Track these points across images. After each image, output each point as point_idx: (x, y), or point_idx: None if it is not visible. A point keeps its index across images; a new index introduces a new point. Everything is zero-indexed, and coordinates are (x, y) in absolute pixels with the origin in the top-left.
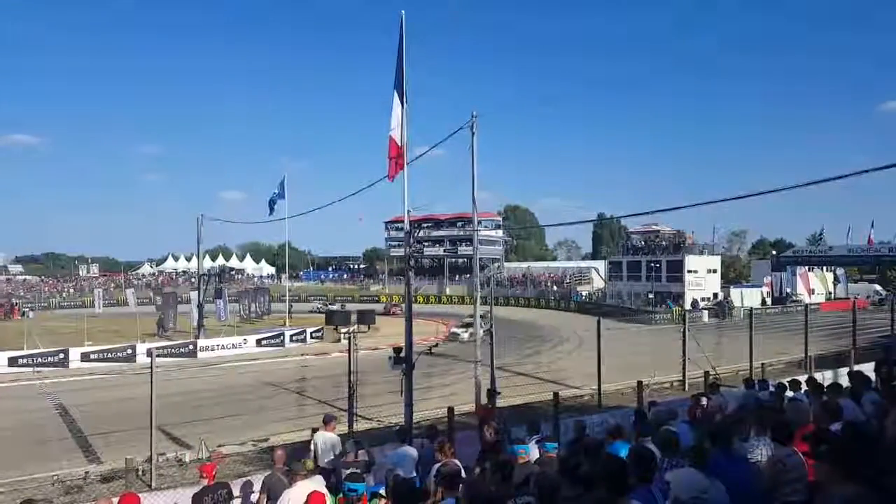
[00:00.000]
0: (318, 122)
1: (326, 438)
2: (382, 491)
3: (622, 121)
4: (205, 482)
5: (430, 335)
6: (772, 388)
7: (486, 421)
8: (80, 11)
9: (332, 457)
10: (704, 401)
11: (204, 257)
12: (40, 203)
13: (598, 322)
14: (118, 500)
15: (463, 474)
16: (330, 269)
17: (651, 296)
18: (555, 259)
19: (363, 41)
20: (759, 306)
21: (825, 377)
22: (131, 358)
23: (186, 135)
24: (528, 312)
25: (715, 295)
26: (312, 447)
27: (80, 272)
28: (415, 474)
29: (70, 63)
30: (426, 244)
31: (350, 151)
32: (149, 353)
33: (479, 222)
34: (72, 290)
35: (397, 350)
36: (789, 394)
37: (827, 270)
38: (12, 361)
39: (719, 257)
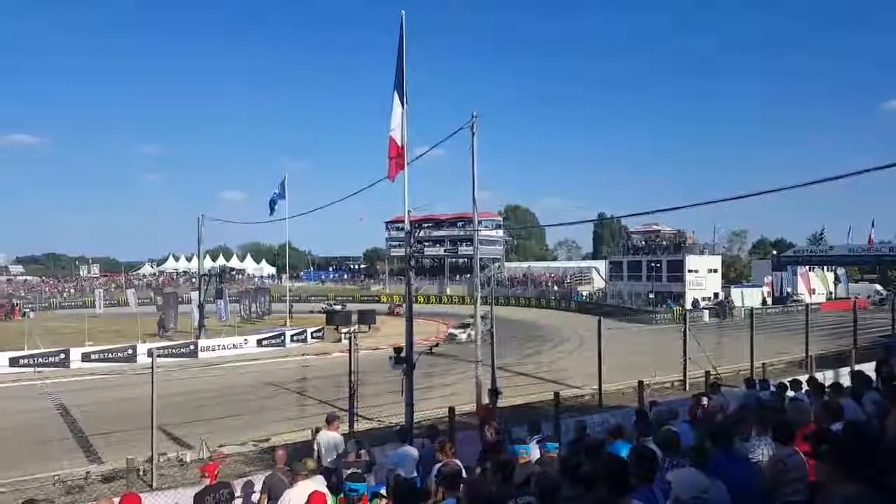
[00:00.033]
0: (319, 122)
1: (330, 438)
2: (383, 491)
3: (622, 121)
4: (207, 482)
5: (431, 335)
6: (773, 388)
7: (488, 421)
8: (80, 11)
9: (336, 456)
10: (705, 400)
11: (204, 257)
12: (41, 203)
13: (599, 322)
14: (119, 500)
15: (464, 474)
16: (330, 269)
17: (652, 296)
18: (555, 259)
19: (363, 41)
20: (760, 306)
21: (826, 377)
22: (132, 358)
23: (186, 135)
24: (528, 312)
25: (716, 295)
26: (316, 447)
27: (81, 272)
28: (416, 474)
29: (70, 63)
30: (427, 244)
31: (350, 151)
32: (150, 353)
33: (480, 222)
34: (72, 291)
35: (398, 350)
36: (790, 393)
37: (828, 270)
38: (13, 362)
39: (720, 257)
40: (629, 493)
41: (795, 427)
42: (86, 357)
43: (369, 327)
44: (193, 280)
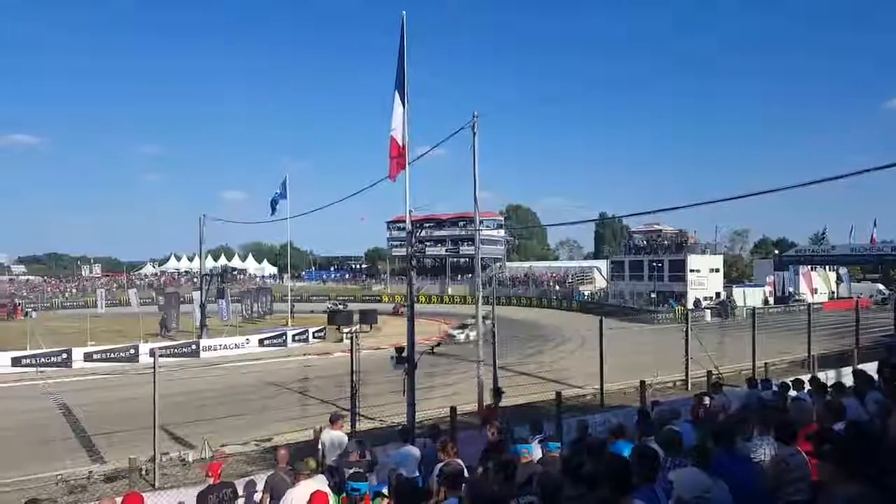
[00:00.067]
0: (319, 122)
1: (334, 437)
2: (385, 490)
3: (623, 120)
4: (210, 481)
5: (433, 335)
6: (775, 388)
7: (490, 420)
8: (80, 11)
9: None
10: (707, 400)
11: (206, 257)
12: (42, 203)
13: (601, 322)
14: (122, 499)
15: (466, 474)
16: (332, 268)
17: (653, 295)
18: (557, 259)
19: (363, 41)
20: (762, 306)
21: (828, 376)
22: (134, 358)
23: (187, 135)
24: (530, 312)
25: (717, 294)
26: (320, 446)
27: (83, 272)
28: (417, 474)
29: (70, 63)
30: (428, 244)
31: (351, 151)
32: (152, 353)
33: (481, 222)
34: (74, 291)
35: (399, 350)
36: (792, 393)
37: (830, 270)
38: (16, 361)
39: (722, 257)
40: (631, 492)
41: (798, 427)
42: (88, 357)
43: (371, 327)
44: (195, 280)
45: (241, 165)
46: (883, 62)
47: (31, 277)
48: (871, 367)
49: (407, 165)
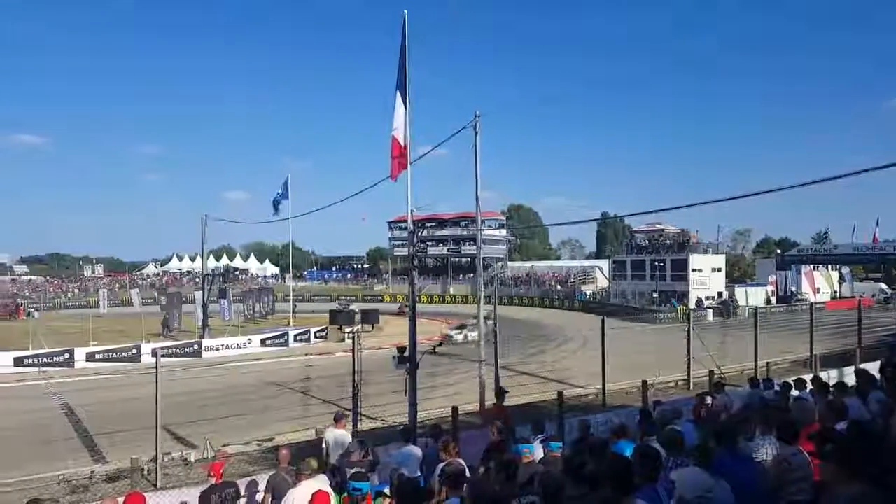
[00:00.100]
0: (320, 122)
1: (337, 435)
2: (387, 490)
3: (623, 120)
4: (212, 480)
5: (434, 335)
6: (777, 388)
7: (493, 420)
8: (80, 11)
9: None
10: (709, 400)
11: (208, 257)
12: (45, 203)
13: (603, 321)
14: (124, 499)
15: (467, 474)
16: (334, 268)
17: (655, 295)
18: (558, 258)
19: (364, 41)
20: (764, 305)
21: (830, 376)
22: (136, 358)
23: (187, 135)
24: (531, 312)
25: (719, 294)
26: (324, 445)
27: (85, 272)
28: (419, 474)
29: (70, 63)
30: (430, 244)
31: (352, 151)
32: (154, 353)
33: (483, 222)
34: (77, 291)
35: (401, 349)
36: (794, 393)
37: (832, 269)
38: (18, 361)
39: (724, 256)
40: (633, 492)
41: (800, 426)
42: (90, 357)
43: (373, 327)
44: (197, 280)
45: (242, 165)
46: (883, 62)
47: (33, 277)
48: (873, 367)
49: (408, 165)
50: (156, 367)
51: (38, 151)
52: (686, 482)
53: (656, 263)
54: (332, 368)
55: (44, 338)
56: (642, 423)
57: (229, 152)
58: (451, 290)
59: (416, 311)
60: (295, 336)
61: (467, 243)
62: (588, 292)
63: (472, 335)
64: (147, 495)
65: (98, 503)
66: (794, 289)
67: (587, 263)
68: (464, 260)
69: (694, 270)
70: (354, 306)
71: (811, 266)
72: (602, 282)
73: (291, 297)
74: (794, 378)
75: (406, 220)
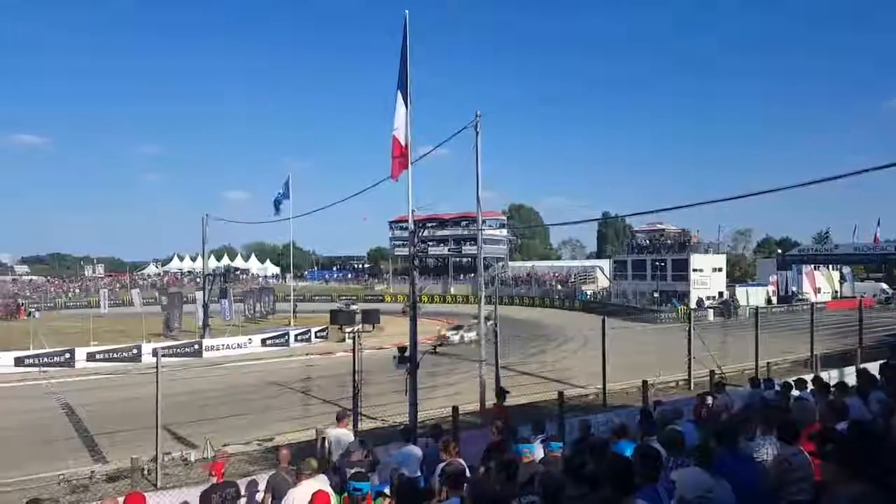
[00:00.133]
0: (320, 122)
1: (340, 435)
2: (387, 490)
3: (624, 120)
4: (213, 480)
5: (435, 334)
6: (777, 388)
7: (495, 419)
8: (80, 11)
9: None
10: (710, 400)
11: (209, 257)
12: (45, 203)
13: (603, 321)
14: (124, 499)
15: (467, 473)
16: (334, 268)
17: (656, 295)
18: (559, 258)
19: (364, 41)
20: (765, 305)
21: (831, 376)
22: (137, 358)
23: (187, 135)
24: (532, 311)
25: (720, 294)
26: (326, 444)
27: (86, 272)
28: (419, 474)
29: (70, 63)
30: (430, 244)
31: (352, 151)
32: (154, 352)
33: (484, 221)
34: (77, 291)
35: (402, 349)
36: (795, 393)
37: (833, 269)
38: (18, 361)
39: (724, 256)
40: (633, 492)
41: (800, 426)
42: (91, 357)
43: (373, 327)
44: (198, 280)
45: (243, 165)
46: (883, 62)
47: (34, 277)
48: (874, 367)
49: (409, 165)
50: (156, 367)
51: (38, 151)
52: (686, 482)
53: (657, 263)
54: (332, 368)
55: (44, 338)
56: (643, 422)
57: (229, 152)
58: (452, 290)
59: (417, 311)
60: (296, 336)
61: (468, 243)
62: (589, 292)
63: (469, 336)
64: (147, 495)
65: (98, 503)
66: (794, 289)
67: (588, 263)
68: (465, 260)
69: (695, 270)
70: (355, 306)
71: (812, 266)
72: (603, 282)
73: (292, 297)
74: (794, 378)
75: (407, 220)
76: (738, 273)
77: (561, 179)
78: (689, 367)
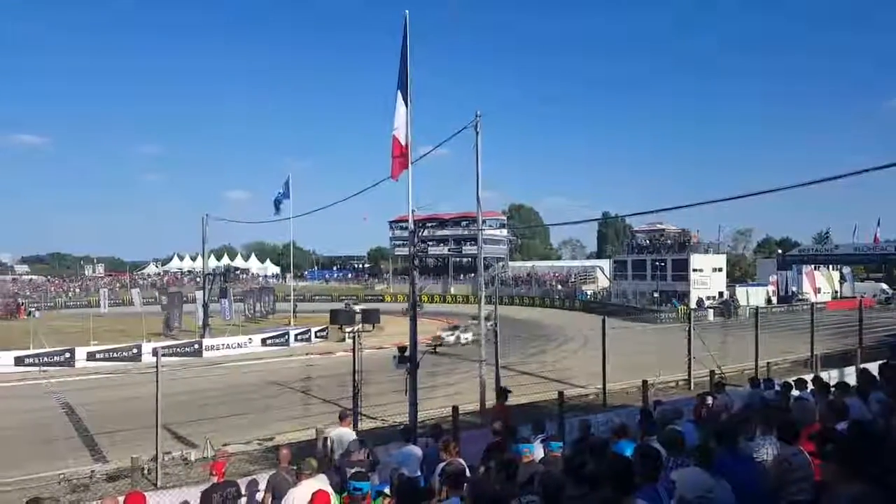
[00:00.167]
0: (320, 121)
1: (343, 434)
2: (387, 490)
3: (624, 120)
4: (214, 479)
5: (433, 335)
6: (777, 388)
7: (497, 419)
8: (80, 11)
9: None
10: (710, 400)
11: (209, 257)
12: (45, 203)
13: (603, 321)
14: (124, 498)
15: (467, 473)
16: (334, 268)
17: (656, 295)
18: (559, 258)
19: (364, 41)
20: (765, 305)
21: (831, 376)
22: (137, 357)
23: (187, 135)
24: (532, 311)
25: (720, 294)
26: (329, 442)
27: (86, 272)
28: (419, 473)
29: (70, 63)
30: (430, 243)
31: (353, 151)
32: (154, 352)
33: (484, 221)
34: (77, 290)
35: (402, 349)
36: (795, 393)
37: (833, 269)
38: (19, 361)
39: (725, 256)
40: (633, 492)
41: (800, 426)
42: (91, 356)
43: (373, 326)
44: (198, 279)
45: (243, 165)
46: (883, 62)
47: (34, 277)
48: (874, 367)
49: (409, 165)
50: (156, 367)
51: (38, 151)
52: (686, 482)
53: (657, 263)
54: (332, 368)
55: (44, 337)
56: (643, 422)
57: (229, 152)
58: (452, 290)
59: (417, 311)
60: (296, 335)
61: (468, 243)
62: (589, 292)
63: (465, 337)
64: (147, 494)
65: (98, 502)
66: (794, 289)
67: (588, 263)
68: (465, 260)
69: (695, 270)
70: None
71: (812, 266)
72: (603, 281)
73: (292, 297)
74: (794, 378)
75: (407, 220)
76: (739, 273)
77: (561, 179)
78: (689, 367)
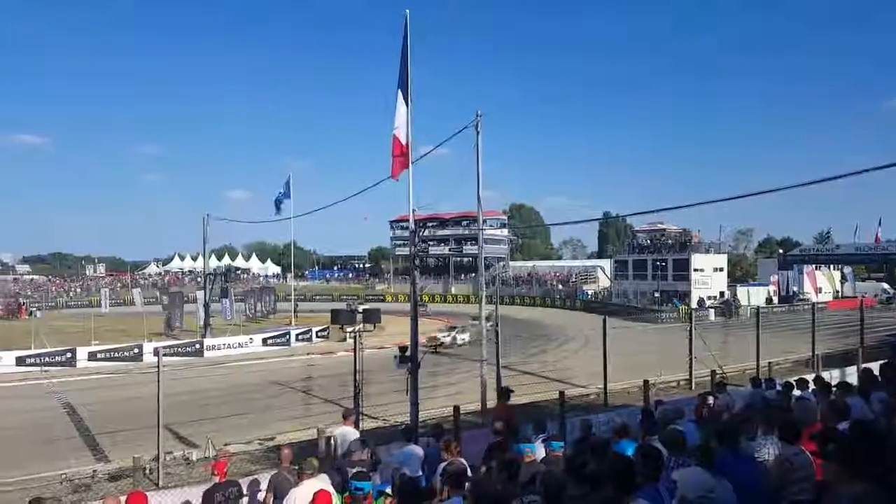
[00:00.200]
0: (321, 121)
1: (346, 432)
2: (388, 490)
3: (624, 120)
4: (216, 479)
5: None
6: (779, 387)
7: (500, 418)
8: (80, 11)
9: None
10: (711, 400)
11: (210, 257)
12: (46, 203)
13: (604, 321)
14: (126, 498)
15: (469, 473)
16: (335, 268)
17: (657, 294)
18: (560, 258)
19: (364, 41)
20: (766, 305)
21: (832, 376)
22: (138, 357)
23: (187, 135)
24: (533, 311)
25: (721, 293)
26: (332, 441)
27: (87, 272)
28: (420, 473)
29: (70, 63)
30: (431, 243)
31: (353, 151)
32: (155, 352)
33: (485, 221)
34: (79, 290)
35: (403, 349)
36: (796, 393)
37: (834, 269)
38: (20, 361)
39: (726, 256)
40: (634, 492)
41: (802, 426)
42: (92, 356)
43: (374, 326)
44: (199, 279)
45: (243, 165)
46: (883, 62)
47: (35, 277)
48: (876, 367)
49: (410, 165)
50: (157, 367)
51: (38, 151)
52: (688, 482)
53: (658, 263)
54: (333, 368)
55: (46, 337)
56: (644, 422)
57: (230, 152)
58: (453, 290)
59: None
60: (296, 335)
61: (469, 243)
62: (590, 292)
63: (462, 337)
64: (149, 494)
65: (100, 502)
66: (796, 288)
67: (589, 263)
68: (465, 259)
69: (696, 270)
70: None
71: (813, 266)
72: (604, 281)
73: (293, 297)
74: (796, 378)
75: (408, 220)
76: (740, 273)
77: (562, 179)
78: (691, 367)
